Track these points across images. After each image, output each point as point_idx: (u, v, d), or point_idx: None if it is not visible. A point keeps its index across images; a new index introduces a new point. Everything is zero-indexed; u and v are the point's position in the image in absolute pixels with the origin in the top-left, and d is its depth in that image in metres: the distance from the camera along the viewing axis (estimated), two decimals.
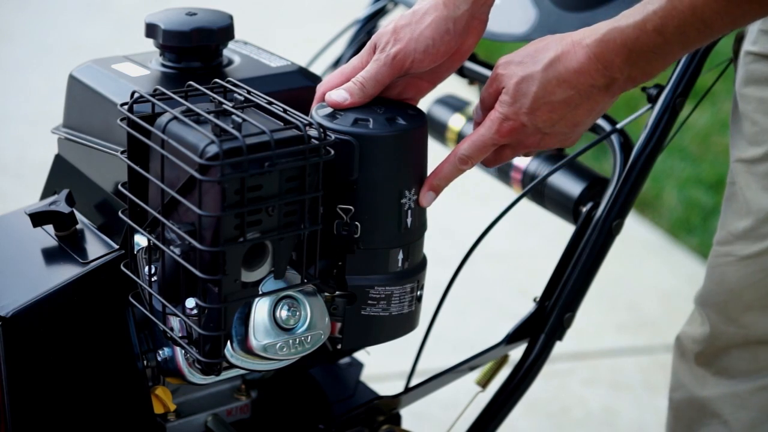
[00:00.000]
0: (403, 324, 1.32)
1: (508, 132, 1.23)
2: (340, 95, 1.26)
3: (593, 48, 1.18)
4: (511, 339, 1.53)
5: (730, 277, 1.41)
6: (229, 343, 1.20)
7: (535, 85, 1.20)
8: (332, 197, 1.24)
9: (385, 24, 1.30)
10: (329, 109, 1.27)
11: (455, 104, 1.88)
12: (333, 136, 1.20)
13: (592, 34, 1.19)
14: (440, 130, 1.85)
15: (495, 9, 1.65)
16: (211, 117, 1.15)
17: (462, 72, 1.73)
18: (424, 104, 1.66)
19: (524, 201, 1.60)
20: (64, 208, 1.33)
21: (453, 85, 2.44)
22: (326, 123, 1.24)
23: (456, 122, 1.83)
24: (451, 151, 1.27)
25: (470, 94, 2.02)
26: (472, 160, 1.25)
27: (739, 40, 1.43)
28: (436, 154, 1.56)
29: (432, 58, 1.27)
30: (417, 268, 1.31)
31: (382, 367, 2.14)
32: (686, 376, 1.50)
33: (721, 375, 1.46)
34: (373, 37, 1.30)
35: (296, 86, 1.37)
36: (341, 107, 1.25)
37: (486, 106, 1.26)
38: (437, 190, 1.27)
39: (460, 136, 1.82)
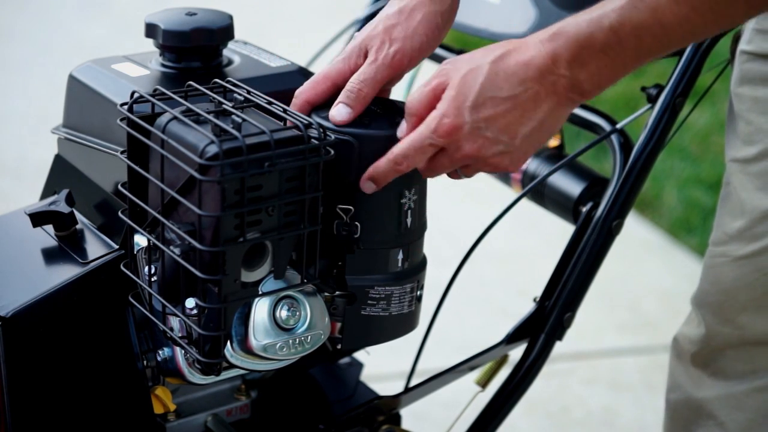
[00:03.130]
0: (403, 324, 1.32)
1: (447, 131, 1.17)
2: (344, 113, 1.22)
3: (545, 42, 1.14)
4: (511, 339, 1.53)
5: (725, 277, 1.41)
6: (229, 343, 1.20)
7: (482, 77, 1.16)
8: (332, 197, 1.24)
9: (370, 26, 1.27)
10: (329, 109, 1.27)
11: None
12: (333, 136, 1.20)
13: (548, 30, 1.15)
14: None
15: (495, 9, 1.65)
16: (211, 117, 1.15)
17: None
18: None
19: (524, 201, 1.60)
20: (64, 208, 1.33)
21: None
22: (326, 123, 1.24)
23: None
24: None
25: None
26: (407, 161, 1.19)
27: (736, 40, 1.43)
28: None
29: (424, 54, 1.26)
30: (417, 268, 1.31)
31: (382, 367, 2.14)
32: (683, 376, 1.50)
33: (717, 376, 1.46)
34: (360, 40, 1.26)
35: (296, 86, 1.37)
36: (346, 123, 1.23)
37: (420, 107, 1.19)
38: (377, 184, 1.22)
39: None
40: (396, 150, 1.20)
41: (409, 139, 1.19)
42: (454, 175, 1.24)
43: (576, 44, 1.12)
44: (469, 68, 1.16)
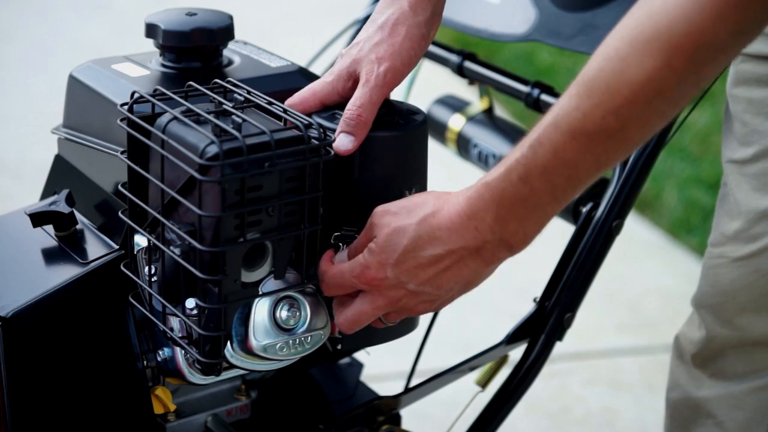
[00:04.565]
0: (403, 324, 1.32)
1: (369, 281, 1.16)
2: (347, 143, 1.20)
3: (464, 206, 1.11)
4: (511, 339, 1.53)
5: (724, 278, 1.41)
6: (229, 343, 1.20)
7: (406, 239, 1.14)
8: (332, 197, 1.24)
9: (355, 47, 1.24)
10: (329, 109, 1.27)
11: (455, 104, 1.88)
12: (333, 137, 1.20)
13: (466, 192, 1.12)
14: (440, 131, 1.85)
15: (495, 9, 1.65)
16: (211, 117, 1.15)
17: (462, 72, 1.74)
18: (424, 104, 1.66)
19: None
20: (64, 208, 1.33)
21: (453, 86, 2.44)
22: (326, 123, 1.24)
23: (456, 122, 1.84)
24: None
25: (470, 94, 2.01)
26: (328, 289, 1.20)
27: None
28: (437, 154, 1.56)
29: (414, 64, 1.25)
30: None
31: (382, 367, 2.14)
32: (683, 376, 1.50)
33: (717, 376, 1.46)
34: (348, 63, 1.24)
35: (296, 86, 1.37)
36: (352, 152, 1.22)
37: (352, 254, 1.20)
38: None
39: (459, 136, 1.82)
40: (324, 273, 1.20)
41: (336, 268, 1.19)
42: (378, 323, 1.23)
43: (494, 204, 1.10)
44: (393, 228, 1.15)
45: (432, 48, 1.77)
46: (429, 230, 1.13)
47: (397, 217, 1.16)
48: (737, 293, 1.40)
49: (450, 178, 1.70)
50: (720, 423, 1.46)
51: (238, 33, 1.42)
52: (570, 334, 1.55)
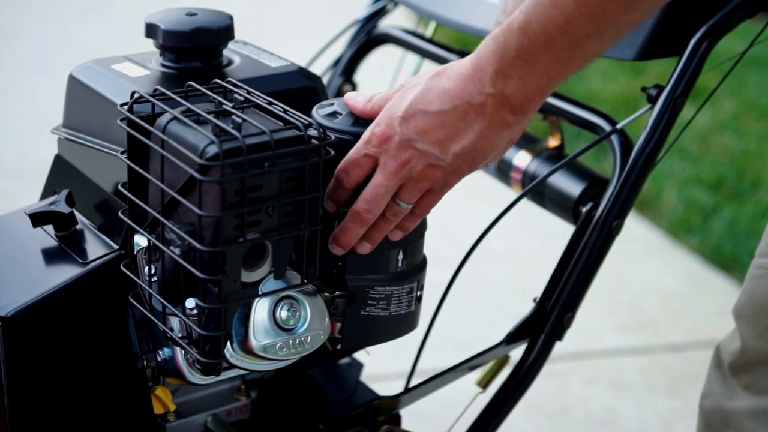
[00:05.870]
0: (403, 324, 1.32)
1: (378, 139, 1.18)
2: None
3: (472, 58, 1.14)
4: (511, 339, 1.53)
5: (761, 290, 1.37)
6: (229, 343, 1.20)
7: (415, 91, 1.17)
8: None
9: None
10: (330, 109, 1.27)
11: None
12: (333, 136, 1.20)
13: (477, 49, 1.14)
14: None
15: (495, 9, 1.65)
16: (211, 117, 1.15)
17: None
18: None
19: (524, 201, 1.60)
20: (64, 208, 1.33)
21: None
22: (327, 123, 1.24)
23: None
24: None
25: None
26: (347, 175, 1.21)
27: None
28: None
29: None
30: (417, 268, 1.31)
31: (382, 367, 2.14)
32: (718, 385, 1.47)
33: (749, 389, 1.43)
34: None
35: (296, 86, 1.37)
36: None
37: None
38: (332, 205, 1.24)
39: None
40: (338, 167, 1.21)
41: (347, 155, 1.21)
42: (395, 208, 1.22)
43: (496, 56, 1.12)
44: (409, 85, 1.18)
45: (432, 48, 1.77)
46: (437, 84, 1.15)
47: (415, 78, 1.18)
48: None
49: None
50: None
51: (238, 33, 1.42)
52: (570, 334, 1.55)
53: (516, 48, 1.11)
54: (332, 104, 1.28)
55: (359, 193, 1.21)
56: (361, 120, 1.24)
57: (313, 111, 1.28)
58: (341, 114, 1.25)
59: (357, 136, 1.22)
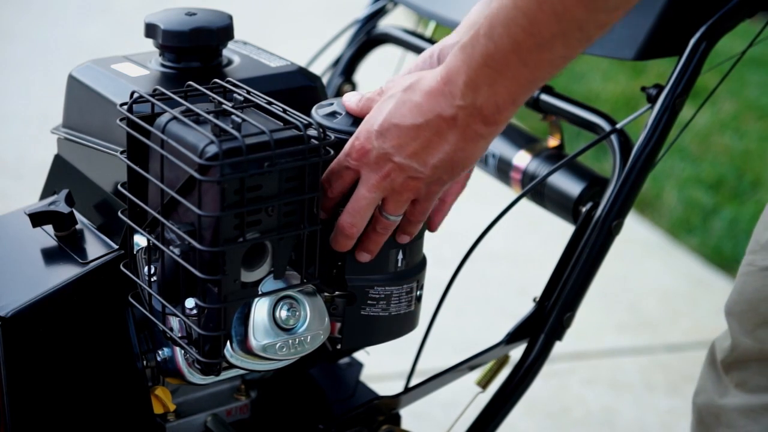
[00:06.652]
0: (403, 324, 1.32)
1: (357, 152, 1.18)
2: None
3: (442, 71, 1.13)
4: (511, 339, 1.53)
5: (749, 287, 1.38)
6: (228, 343, 1.20)
7: (390, 104, 1.17)
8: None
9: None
10: (329, 109, 1.27)
11: None
12: (333, 136, 1.20)
13: (447, 58, 1.13)
14: None
15: None
16: (210, 117, 1.15)
17: None
18: None
19: (524, 201, 1.60)
20: (63, 208, 1.33)
21: None
22: (326, 122, 1.24)
23: None
24: None
25: None
26: (329, 185, 1.21)
27: None
28: None
29: None
30: (416, 268, 1.31)
31: (382, 367, 2.14)
32: (711, 382, 1.47)
33: (740, 387, 1.43)
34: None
35: (296, 86, 1.37)
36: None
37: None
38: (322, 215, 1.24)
39: None
40: (322, 177, 1.21)
41: (329, 166, 1.22)
42: (381, 221, 1.23)
43: (464, 66, 1.11)
44: (386, 96, 1.18)
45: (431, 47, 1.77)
46: (410, 97, 1.15)
47: (392, 87, 1.18)
48: (760, 304, 1.37)
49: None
50: None
51: (238, 33, 1.42)
52: (570, 334, 1.55)
53: (483, 55, 1.09)
54: (332, 104, 1.28)
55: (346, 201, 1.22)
56: (359, 120, 1.24)
57: (313, 111, 1.28)
58: (340, 114, 1.26)
59: None
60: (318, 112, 1.27)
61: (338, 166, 1.21)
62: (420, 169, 1.18)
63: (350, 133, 1.23)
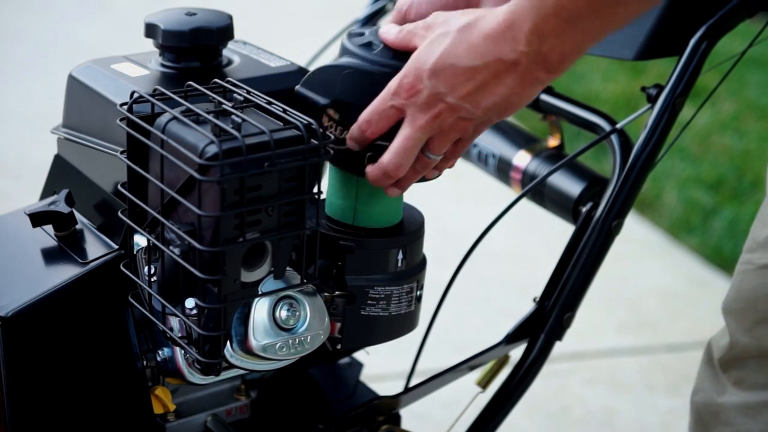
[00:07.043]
0: (403, 324, 1.32)
1: (406, 91, 1.15)
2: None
3: (505, 14, 1.09)
4: (511, 339, 1.53)
5: (747, 285, 1.38)
6: (228, 343, 1.20)
7: (444, 43, 1.13)
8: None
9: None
10: (364, 39, 1.24)
11: None
12: (332, 136, 1.20)
13: (510, 2, 1.10)
14: None
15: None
16: (210, 117, 1.15)
17: None
18: None
19: (524, 201, 1.60)
20: (63, 208, 1.33)
21: None
22: (364, 53, 1.22)
23: None
24: None
25: None
26: (371, 126, 1.19)
27: None
28: None
29: None
30: (417, 268, 1.31)
31: (382, 367, 2.14)
32: (708, 381, 1.47)
33: (738, 385, 1.43)
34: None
35: (296, 86, 1.37)
36: None
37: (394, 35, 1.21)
38: (355, 145, 1.22)
39: None
40: (362, 116, 1.19)
41: (370, 106, 1.18)
42: (424, 160, 1.21)
43: (532, 13, 1.08)
44: (437, 33, 1.15)
45: None
46: (469, 37, 1.12)
47: (444, 23, 1.14)
48: (758, 302, 1.37)
49: (451, 179, 1.70)
50: None
51: (238, 33, 1.42)
52: (570, 334, 1.55)
53: (555, 5, 1.06)
54: (363, 33, 1.25)
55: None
56: (400, 53, 1.20)
57: (345, 40, 1.25)
58: (377, 45, 1.23)
59: (396, 70, 1.19)
60: (352, 42, 1.25)
61: (383, 105, 1.17)
62: (472, 110, 1.15)
63: (390, 66, 1.20)
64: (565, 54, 1.10)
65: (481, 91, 1.13)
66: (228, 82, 1.23)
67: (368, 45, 1.23)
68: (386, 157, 1.19)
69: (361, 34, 1.25)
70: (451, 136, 1.19)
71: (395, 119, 1.18)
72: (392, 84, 1.17)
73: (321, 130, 1.17)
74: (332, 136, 1.20)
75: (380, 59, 1.21)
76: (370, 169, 1.21)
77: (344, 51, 1.23)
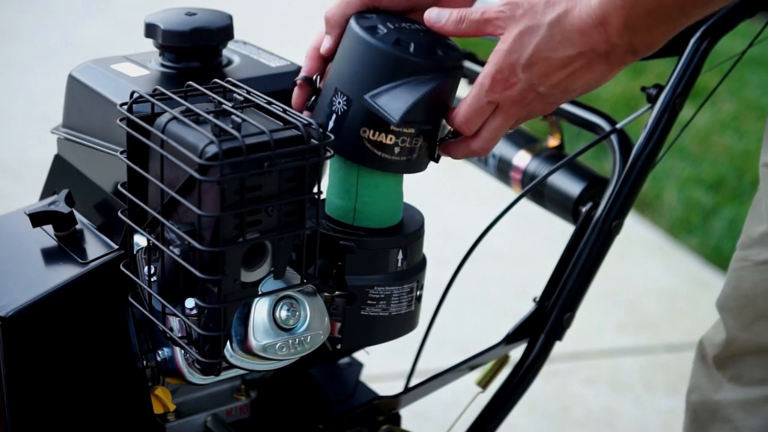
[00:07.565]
0: (403, 324, 1.32)
1: (502, 86, 1.18)
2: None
3: (596, 8, 1.13)
4: (511, 339, 1.53)
5: (745, 282, 1.38)
6: (228, 343, 1.20)
7: (538, 37, 1.16)
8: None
9: None
10: (370, 23, 1.23)
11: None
12: (332, 136, 1.20)
13: None
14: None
15: None
16: (210, 117, 1.14)
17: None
18: None
19: (524, 201, 1.60)
20: (63, 208, 1.33)
21: None
22: (365, 35, 1.21)
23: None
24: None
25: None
26: (469, 125, 1.21)
27: None
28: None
29: None
30: (417, 268, 1.31)
31: (382, 367, 2.14)
32: (703, 378, 1.47)
33: (736, 381, 1.43)
34: None
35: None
36: None
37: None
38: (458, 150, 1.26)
39: None
40: (458, 118, 1.22)
41: (466, 104, 1.21)
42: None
43: (624, 11, 1.12)
44: (526, 25, 1.17)
45: None
46: (561, 31, 1.15)
47: (529, 15, 1.17)
48: (757, 298, 1.37)
49: (451, 179, 1.72)
50: (737, 428, 1.43)
51: (238, 33, 1.42)
52: (570, 334, 1.55)
53: (647, 7, 1.12)
54: (372, 17, 1.24)
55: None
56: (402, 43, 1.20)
57: (353, 21, 1.23)
58: (383, 29, 1.22)
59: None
60: (360, 23, 1.22)
61: (479, 103, 1.20)
62: (560, 95, 1.20)
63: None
64: (653, 43, 1.15)
65: (571, 77, 1.18)
66: (228, 82, 1.23)
67: (374, 29, 1.22)
68: (477, 144, 1.23)
69: (370, 17, 1.24)
70: (533, 116, 1.23)
71: (491, 112, 1.22)
72: (485, 81, 1.19)
73: (321, 129, 1.17)
74: (331, 136, 1.19)
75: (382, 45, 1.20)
76: (455, 149, 1.25)
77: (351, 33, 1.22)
